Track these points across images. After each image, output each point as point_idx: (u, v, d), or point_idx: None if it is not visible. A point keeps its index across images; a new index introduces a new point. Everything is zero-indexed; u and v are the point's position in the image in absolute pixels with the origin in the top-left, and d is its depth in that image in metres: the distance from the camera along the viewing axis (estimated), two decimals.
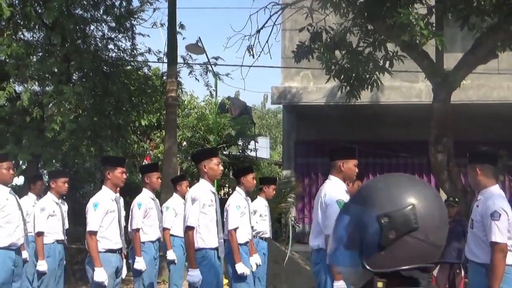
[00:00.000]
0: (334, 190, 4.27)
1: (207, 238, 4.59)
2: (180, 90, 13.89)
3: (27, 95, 8.65)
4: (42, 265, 5.76)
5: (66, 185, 6.16)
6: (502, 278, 3.91)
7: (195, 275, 4.45)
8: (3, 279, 4.79)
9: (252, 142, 15.73)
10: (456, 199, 7.50)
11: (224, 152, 14.62)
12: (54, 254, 5.90)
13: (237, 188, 5.96)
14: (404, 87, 12.95)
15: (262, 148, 22.44)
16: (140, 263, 5.60)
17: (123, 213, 4.95)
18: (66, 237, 6.22)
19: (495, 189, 4.17)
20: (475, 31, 7.82)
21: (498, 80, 12.51)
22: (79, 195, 13.46)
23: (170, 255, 6.70)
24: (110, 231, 4.71)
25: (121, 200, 4.99)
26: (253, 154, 16.11)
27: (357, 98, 9.00)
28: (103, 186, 4.89)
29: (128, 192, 12.46)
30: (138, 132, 13.89)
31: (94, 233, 4.63)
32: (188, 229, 4.52)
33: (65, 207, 6.40)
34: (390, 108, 13.13)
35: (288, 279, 9.05)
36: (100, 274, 4.52)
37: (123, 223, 4.94)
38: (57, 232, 6.03)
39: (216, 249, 4.64)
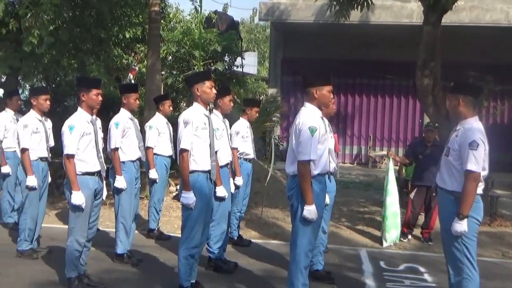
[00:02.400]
0: (308, 117, 4.23)
1: (200, 161, 4.57)
2: (164, 4, 13.38)
3: (1, 6, 8.22)
4: (31, 181, 5.72)
5: (48, 102, 5.99)
6: (471, 205, 4.02)
7: (189, 197, 4.47)
8: None
9: (239, 58, 15.43)
10: (436, 124, 7.52)
11: (210, 68, 14.37)
12: (37, 171, 5.85)
13: (214, 110, 5.87)
14: (396, 6, 12.60)
15: (249, 64, 22.14)
16: (120, 182, 5.59)
17: (100, 134, 4.86)
18: (50, 155, 6.16)
19: (475, 121, 4.19)
20: None
21: (492, 2, 12.21)
22: (61, 108, 13.30)
23: (153, 174, 6.74)
24: (87, 154, 4.64)
25: (98, 122, 4.87)
26: (239, 70, 15.88)
27: (347, 18, 8.72)
28: (78, 108, 4.74)
29: (112, 107, 12.35)
30: (123, 45, 13.49)
31: (71, 156, 4.55)
32: (183, 152, 4.49)
33: (48, 124, 6.27)
34: (380, 28, 12.86)
35: (269, 196, 9.23)
36: (77, 197, 4.51)
37: (101, 145, 4.86)
38: (41, 149, 5.95)
39: (209, 171, 4.64)
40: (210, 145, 4.64)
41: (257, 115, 6.89)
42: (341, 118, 15.02)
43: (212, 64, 14.40)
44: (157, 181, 6.79)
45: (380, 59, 13.95)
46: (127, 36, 11.66)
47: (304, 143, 4.14)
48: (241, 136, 6.51)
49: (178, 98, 14.85)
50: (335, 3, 8.47)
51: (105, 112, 11.01)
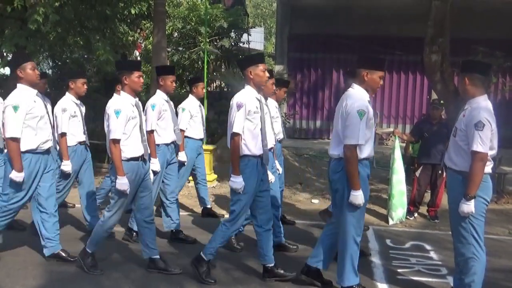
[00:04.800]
0: (356, 100, 4.15)
1: (252, 145, 4.48)
2: None
3: None
4: (66, 165, 5.72)
5: (85, 86, 5.90)
6: (479, 185, 4.01)
7: (238, 181, 4.41)
8: (26, 178, 4.66)
9: (245, 35, 15.31)
10: (442, 101, 7.46)
11: (216, 45, 14.28)
12: (77, 156, 5.84)
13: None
14: None
15: (255, 40, 21.96)
16: (155, 165, 5.51)
17: (144, 117, 4.79)
18: (87, 138, 6.11)
19: (482, 100, 4.14)
20: None
21: None
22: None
23: (182, 156, 6.52)
24: (132, 138, 4.60)
25: (140, 104, 4.80)
26: (246, 46, 15.77)
27: None
28: (121, 92, 4.63)
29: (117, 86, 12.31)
30: (128, 21, 13.42)
31: (117, 141, 4.49)
32: (234, 135, 4.40)
33: (83, 109, 6.20)
34: (388, 3, 12.67)
35: None
36: (122, 183, 4.49)
37: (144, 128, 4.79)
38: (79, 133, 5.90)
39: (260, 156, 4.54)
40: (261, 129, 4.54)
41: (285, 95, 6.72)
42: None
43: (218, 40, 14.30)
44: (185, 163, 6.64)
45: (388, 35, 13.78)
46: (133, 12, 11.57)
47: (352, 126, 4.08)
48: (271, 117, 6.39)
49: (184, 75, 14.79)
50: None
51: (110, 92, 10.98)
